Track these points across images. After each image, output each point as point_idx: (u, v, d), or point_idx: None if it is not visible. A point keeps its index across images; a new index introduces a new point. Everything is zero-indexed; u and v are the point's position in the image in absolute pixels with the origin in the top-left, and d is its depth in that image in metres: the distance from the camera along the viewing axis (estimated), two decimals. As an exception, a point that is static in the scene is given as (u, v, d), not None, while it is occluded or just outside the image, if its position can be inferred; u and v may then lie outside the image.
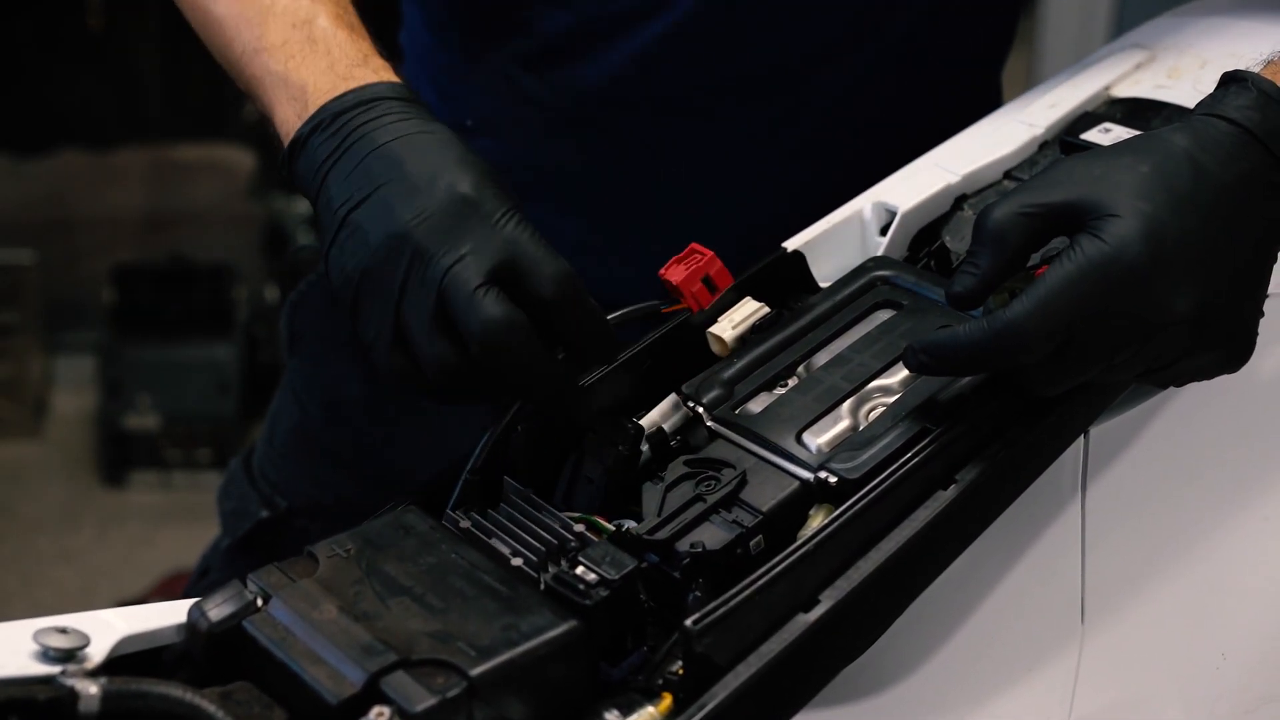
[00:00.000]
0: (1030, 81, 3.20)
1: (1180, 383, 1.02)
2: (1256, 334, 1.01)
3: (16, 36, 3.57)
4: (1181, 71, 1.24)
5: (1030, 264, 1.00)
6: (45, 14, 3.57)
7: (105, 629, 0.89)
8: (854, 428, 1.01)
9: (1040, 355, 0.95)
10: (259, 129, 3.77)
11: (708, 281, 1.07)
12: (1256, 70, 1.01)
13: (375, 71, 1.10)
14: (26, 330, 3.59)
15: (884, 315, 1.09)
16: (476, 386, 1.01)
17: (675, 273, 1.07)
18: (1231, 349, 1.00)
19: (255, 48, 1.14)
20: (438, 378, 1.00)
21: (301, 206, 3.82)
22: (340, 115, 1.07)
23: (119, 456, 3.46)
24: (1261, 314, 1.01)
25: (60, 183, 4.11)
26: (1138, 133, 1.16)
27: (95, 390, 3.58)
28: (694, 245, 1.07)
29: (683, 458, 1.01)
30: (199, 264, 3.67)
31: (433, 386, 1.01)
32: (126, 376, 3.46)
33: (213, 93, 3.74)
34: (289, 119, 1.10)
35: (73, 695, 0.82)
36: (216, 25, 1.18)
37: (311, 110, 1.08)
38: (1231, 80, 1.01)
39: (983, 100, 1.36)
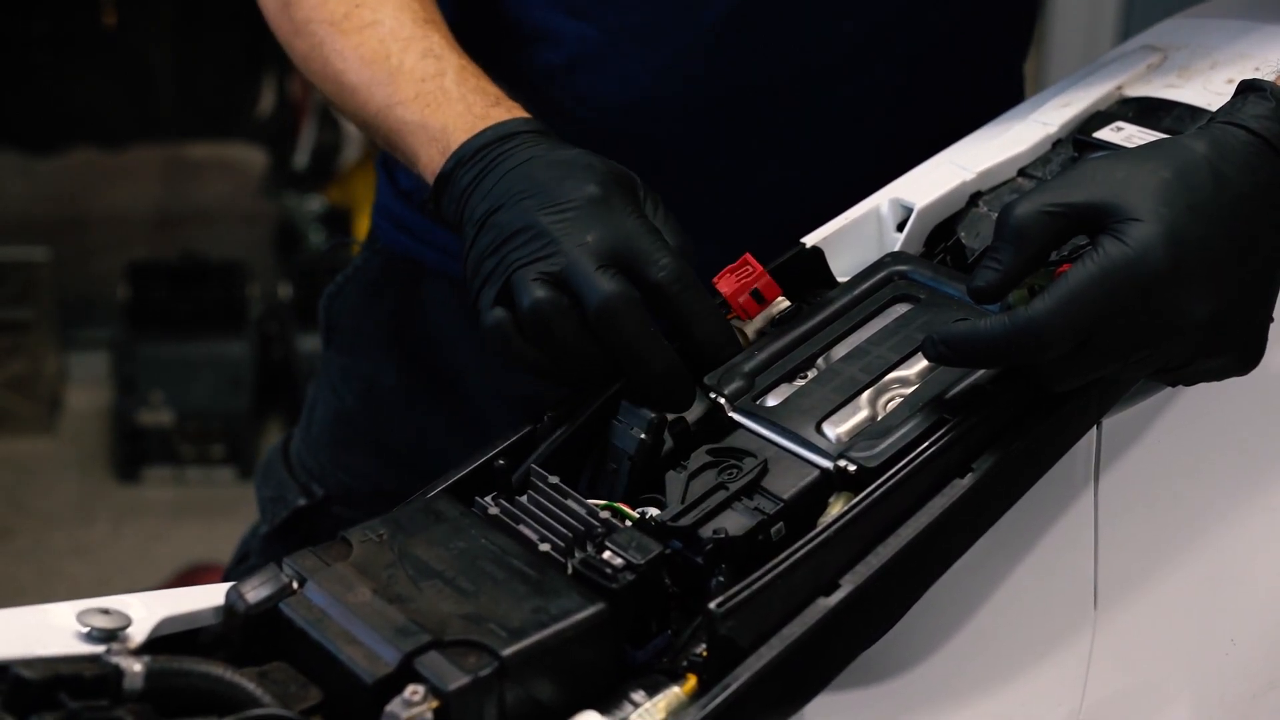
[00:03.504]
0: (1040, 82, 3.23)
1: (1191, 382, 1.05)
2: (1267, 339, 1.03)
3: (29, 35, 3.59)
4: (1192, 72, 1.26)
5: (1050, 261, 1.02)
6: (58, 13, 3.59)
7: (145, 610, 0.91)
8: (872, 418, 1.03)
9: (1059, 352, 0.97)
10: (270, 127, 3.80)
11: (756, 294, 1.10)
12: (1272, 79, 1.04)
13: (509, 110, 1.20)
14: (41, 327, 3.61)
15: (901, 309, 1.11)
16: (588, 356, 1.05)
17: (726, 283, 1.10)
18: (1243, 353, 1.02)
19: (390, 103, 1.24)
20: (532, 326, 1.05)
21: (313, 204, 3.85)
22: (481, 149, 1.15)
23: (133, 452, 3.48)
24: (1272, 319, 1.03)
25: (73, 180, 4.13)
26: (1150, 131, 1.19)
27: (109, 386, 3.60)
28: (746, 256, 1.10)
29: (705, 447, 1.03)
30: (212, 261, 3.70)
31: (528, 337, 1.06)
32: (140, 373, 3.48)
33: (225, 91, 3.76)
34: (433, 158, 1.19)
35: (118, 673, 0.84)
36: (350, 90, 1.28)
37: (454, 147, 1.17)
38: (1250, 89, 1.03)
39: (1004, 100, 1.38)
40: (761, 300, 1.10)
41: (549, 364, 1.07)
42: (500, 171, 1.13)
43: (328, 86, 1.32)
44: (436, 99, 1.22)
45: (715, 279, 1.10)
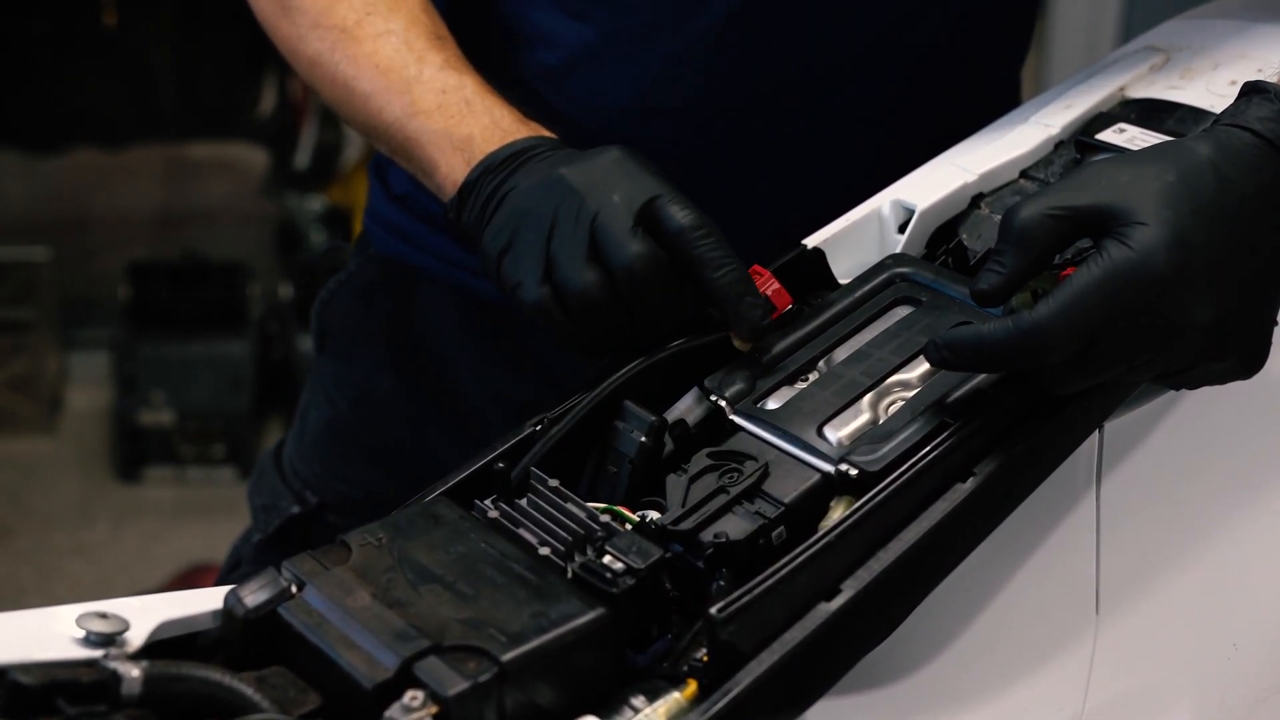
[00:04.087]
0: (1040, 84, 3.23)
1: (1194, 386, 1.05)
2: (1270, 342, 1.03)
3: (30, 35, 3.59)
4: (1195, 73, 1.26)
5: (1053, 265, 1.02)
6: (58, 13, 3.59)
7: (143, 614, 0.91)
8: (874, 421, 1.03)
9: (1063, 356, 0.97)
10: (271, 127, 3.80)
11: (766, 302, 1.09)
12: (1276, 80, 1.03)
13: (534, 130, 1.21)
14: (41, 327, 3.61)
15: (903, 311, 1.11)
16: (614, 321, 1.09)
17: None
18: (1246, 357, 1.02)
19: (409, 113, 1.24)
20: (579, 308, 1.09)
21: (314, 204, 3.85)
22: (509, 159, 1.17)
23: (133, 452, 3.48)
24: (1276, 323, 1.03)
25: (74, 181, 4.13)
26: (1152, 133, 1.19)
27: (110, 386, 3.60)
28: (755, 266, 1.10)
29: (706, 450, 1.02)
30: (212, 261, 3.70)
31: (573, 318, 1.10)
32: (141, 373, 3.48)
33: (225, 91, 3.76)
34: (455, 167, 1.20)
35: (115, 678, 0.84)
36: (362, 99, 1.28)
37: (480, 157, 1.19)
38: (1254, 91, 1.03)
39: (1003, 101, 1.38)
40: (771, 308, 1.10)
41: (589, 341, 1.11)
42: (523, 173, 1.16)
43: (336, 93, 1.31)
44: (460, 110, 1.22)
45: None
